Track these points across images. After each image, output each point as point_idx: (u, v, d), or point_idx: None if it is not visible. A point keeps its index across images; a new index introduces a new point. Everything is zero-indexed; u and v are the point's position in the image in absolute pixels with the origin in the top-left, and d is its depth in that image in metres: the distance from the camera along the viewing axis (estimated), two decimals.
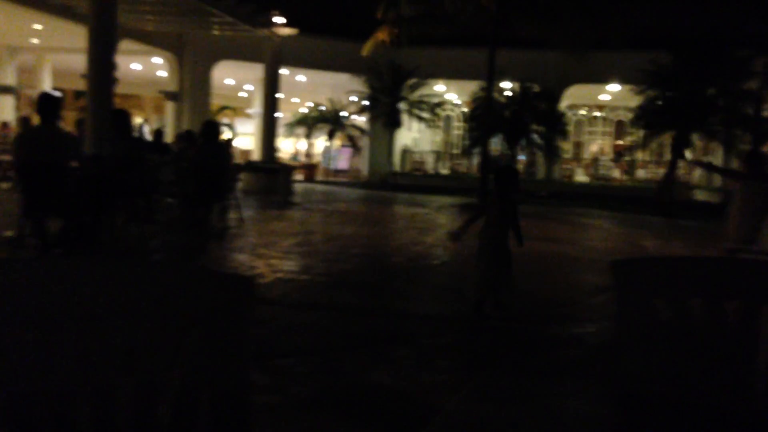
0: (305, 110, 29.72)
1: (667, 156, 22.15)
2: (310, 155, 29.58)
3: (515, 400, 3.89)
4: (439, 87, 26.55)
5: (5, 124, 19.12)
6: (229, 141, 25.12)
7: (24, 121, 15.87)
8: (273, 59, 20.26)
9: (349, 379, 4.09)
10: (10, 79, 22.60)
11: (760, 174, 6.20)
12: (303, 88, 28.74)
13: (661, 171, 22.12)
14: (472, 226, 5.52)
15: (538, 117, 20.99)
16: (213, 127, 10.27)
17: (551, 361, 4.73)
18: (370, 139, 26.79)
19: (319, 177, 27.18)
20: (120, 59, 13.43)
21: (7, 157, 13.06)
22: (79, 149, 7.54)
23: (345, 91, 24.94)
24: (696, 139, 19.00)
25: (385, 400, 3.80)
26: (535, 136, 21.51)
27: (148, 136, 18.79)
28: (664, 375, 1.60)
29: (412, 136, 29.19)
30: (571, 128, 26.90)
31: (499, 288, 5.43)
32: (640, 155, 25.84)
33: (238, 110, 33.35)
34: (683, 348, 1.57)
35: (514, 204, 5.53)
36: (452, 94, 28.46)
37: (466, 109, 27.01)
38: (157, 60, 23.18)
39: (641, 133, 19.94)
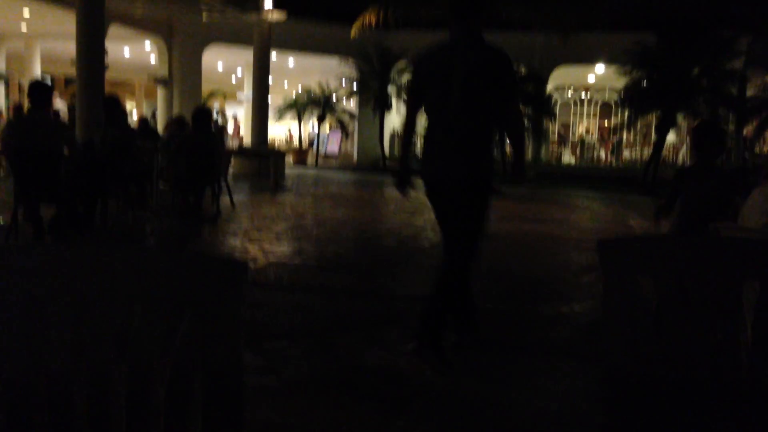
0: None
1: (653, 136, 22.33)
2: (302, 140, 29.56)
3: (505, 378, 4.01)
4: None
5: None
6: (223, 127, 25.08)
7: (16, 108, 15.81)
8: (262, 43, 20.21)
9: (343, 360, 4.15)
10: None
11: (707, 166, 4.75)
12: (293, 72, 28.65)
13: (647, 151, 22.31)
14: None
15: (525, 99, 21.08)
16: (204, 114, 10.34)
17: (540, 340, 4.79)
18: (359, 123, 26.78)
19: (310, 161, 27.18)
20: (110, 44, 13.41)
21: None
22: (71, 136, 7.58)
23: (334, 74, 24.90)
24: (680, 118, 19.16)
25: (377, 380, 3.87)
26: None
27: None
28: (650, 352, 1.61)
29: (402, 119, 29.19)
30: (557, 110, 27.01)
31: None
32: (626, 136, 26.02)
33: (228, 95, 33.20)
34: (668, 325, 1.58)
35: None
36: None
37: None
38: (147, 45, 23.07)
39: (627, 113, 20.08)
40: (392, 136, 27.23)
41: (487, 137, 4.02)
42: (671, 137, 20.61)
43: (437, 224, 4.32)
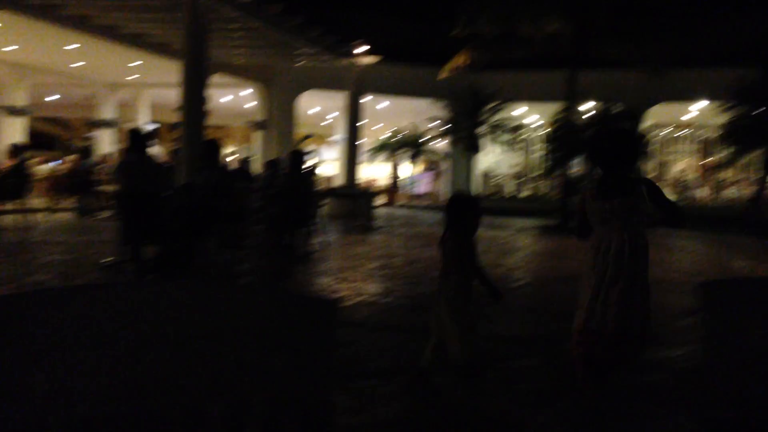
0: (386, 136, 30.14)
1: (756, 174, 21.35)
2: (395, 179, 29.86)
3: (598, 424, 3.89)
4: (520, 110, 26.47)
5: (105, 157, 20.17)
6: (313, 168, 25.69)
7: (123, 153, 16.67)
8: (355, 87, 20.70)
9: (435, 400, 4.15)
10: (110, 114, 23.99)
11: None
12: (385, 115, 29.11)
13: (749, 190, 21.35)
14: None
15: None
16: (298, 156, 10.66)
17: (635, 384, 4.63)
18: (450, 163, 26.89)
19: (400, 201, 27.39)
20: (211, 92, 14.04)
21: (106, 188, 13.72)
22: (170, 179, 7.95)
23: (426, 116, 25.17)
24: None
25: (467, 421, 3.85)
26: None
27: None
28: (754, 399, 1.56)
29: (492, 159, 29.14)
30: (656, 148, 26.26)
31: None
32: (727, 174, 24.99)
33: (322, 137, 33.98)
34: None
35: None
36: (532, 117, 28.30)
37: (546, 131, 26.81)
38: (246, 92, 24.03)
39: (728, 150, 19.31)
40: (483, 176, 27.16)
41: None
42: None
43: None
